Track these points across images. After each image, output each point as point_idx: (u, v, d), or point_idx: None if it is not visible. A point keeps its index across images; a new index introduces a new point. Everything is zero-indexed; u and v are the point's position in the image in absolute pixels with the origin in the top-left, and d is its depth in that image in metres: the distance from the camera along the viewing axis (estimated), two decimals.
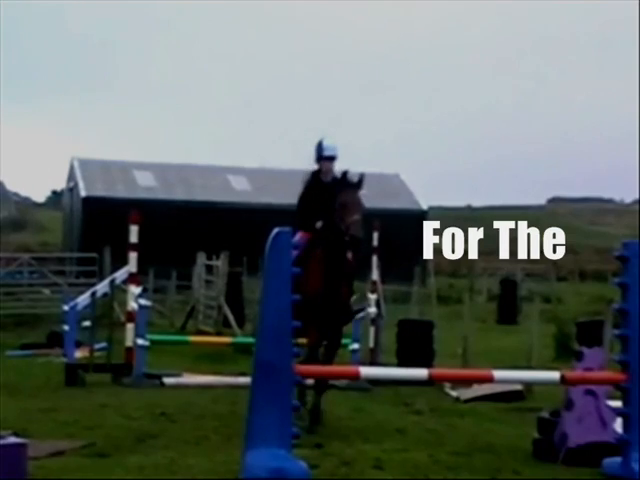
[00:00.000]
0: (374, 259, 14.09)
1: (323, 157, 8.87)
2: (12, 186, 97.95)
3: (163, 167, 43.91)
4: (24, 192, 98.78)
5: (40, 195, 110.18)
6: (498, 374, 7.06)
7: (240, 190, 42.46)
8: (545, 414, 7.85)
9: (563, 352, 15.21)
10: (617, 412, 7.02)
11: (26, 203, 79.01)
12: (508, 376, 7.49)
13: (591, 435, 7.28)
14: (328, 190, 8.62)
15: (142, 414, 9.07)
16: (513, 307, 27.73)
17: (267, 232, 6.71)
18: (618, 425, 7.10)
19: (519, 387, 11.21)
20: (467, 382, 10.88)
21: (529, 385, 11.14)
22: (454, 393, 11.49)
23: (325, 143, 8.91)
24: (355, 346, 12.43)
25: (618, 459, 6.81)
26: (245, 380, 7.04)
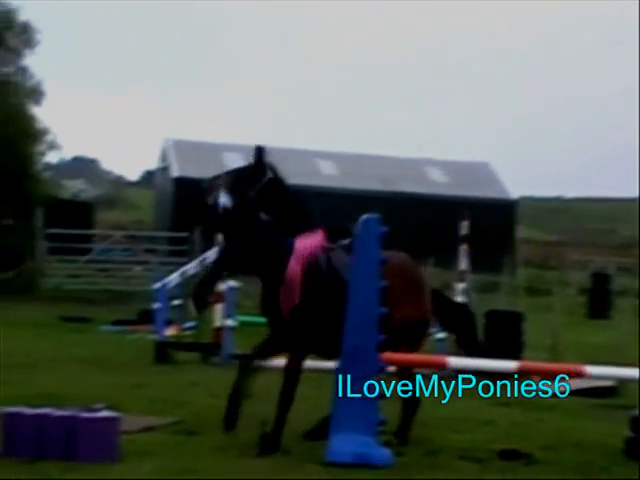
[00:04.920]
0: (463, 248, 13.91)
1: None
2: (107, 164, 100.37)
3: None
4: (118, 170, 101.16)
5: (133, 174, 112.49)
6: (590, 369, 6.91)
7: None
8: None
9: None
10: None
11: (119, 181, 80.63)
12: (601, 372, 7.32)
13: None
14: None
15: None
16: (605, 301, 27.13)
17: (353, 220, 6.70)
18: None
19: (611, 383, 10.96)
20: (557, 376, 10.67)
21: (622, 382, 10.87)
22: None
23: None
24: (441, 335, 12.30)
25: None
26: (330, 364, 7.06)
